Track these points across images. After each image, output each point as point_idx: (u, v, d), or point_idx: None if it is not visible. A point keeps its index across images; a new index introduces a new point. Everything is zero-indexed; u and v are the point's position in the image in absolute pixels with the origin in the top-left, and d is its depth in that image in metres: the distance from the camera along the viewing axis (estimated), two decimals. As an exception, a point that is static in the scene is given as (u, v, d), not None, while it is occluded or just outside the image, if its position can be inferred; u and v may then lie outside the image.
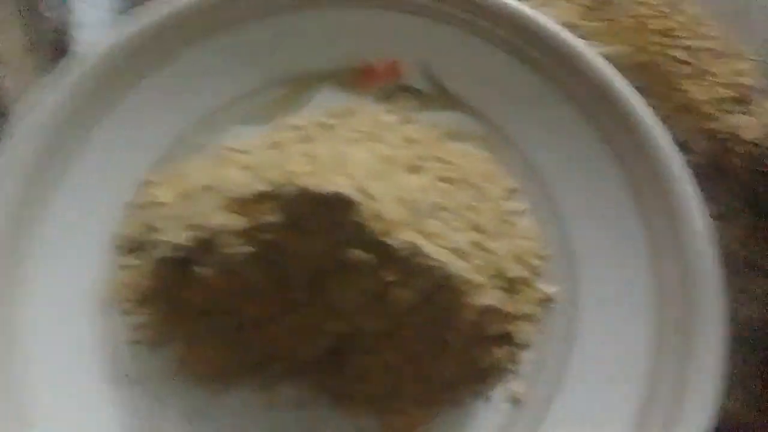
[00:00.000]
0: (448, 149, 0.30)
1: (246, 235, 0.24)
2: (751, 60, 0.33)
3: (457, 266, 0.25)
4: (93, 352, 0.27)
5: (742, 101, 0.32)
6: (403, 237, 0.24)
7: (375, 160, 0.27)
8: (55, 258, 0.27)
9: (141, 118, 0.30)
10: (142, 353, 0.27)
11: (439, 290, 0.25)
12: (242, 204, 0.25)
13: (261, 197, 0.24)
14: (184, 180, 0.29)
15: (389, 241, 0.24)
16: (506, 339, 0.27)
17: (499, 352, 0.26)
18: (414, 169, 0.28)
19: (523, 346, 0.27)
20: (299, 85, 0.32)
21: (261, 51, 0.31)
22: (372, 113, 0.31)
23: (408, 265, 0.24)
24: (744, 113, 0.32)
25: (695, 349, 0.25)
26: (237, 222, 0.24)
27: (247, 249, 0.24)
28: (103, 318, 0.27)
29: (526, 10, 0.29)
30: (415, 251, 0.24)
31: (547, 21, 0.29)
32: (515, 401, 0.26)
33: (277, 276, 0.25)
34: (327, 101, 0.31)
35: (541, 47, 0.29)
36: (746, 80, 0.33)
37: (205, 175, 0.28)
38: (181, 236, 0.25)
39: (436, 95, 0.31)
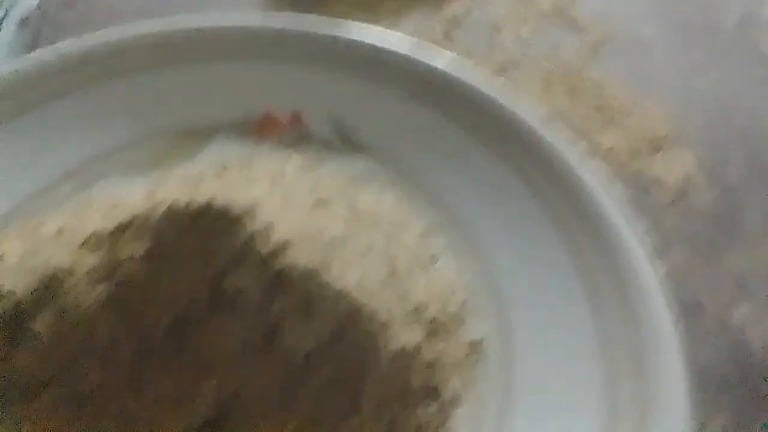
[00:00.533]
0: (356, 193, 0.27)
1: (97, 274, 0.20)
2: (658, 112, 0.33)
3: (365, 298, 0.21)
4: None
5: (655, 149, 0.32)
6: (299, 260, 0.20)
7: (273, 195, 0.24)
8: None
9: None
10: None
11: (344, 331, 0.20)
12: (98, 241, 0.21)
13: (121, 228, 0.20)
14: (37, 230, 0.24)
15: (280, 265, 0.20)
16: (432, 394, 0.22)
17: (426, 412, 0.21)
18: (319, 206, 0.25)
19: (454, 402, 0.22)
20: (191, 136, 0.29)
21: (149, 100, 0.29)
22: (273, 161, 0.28)
23: (305, 295, 0.20)
24: (664, 157, 0.31)
25: (654, 394, 0.21)
26: (88, 260, 0.20)
27: (98, 289, 0.20)
28: None
29: (430, 61, 0.29)
30: (314, 277, 0.20)
31: (455, 71, 0.29)
32: (450, 472, 0.21)
33: (134, 323, 0.20)
34: (221, 151, 0.28)
35: (449, 96, 0.29)
36: (657, 130, 0.33)
37: (61, 220, 0.24)
38: (13, 284, 0.20)
39: (342, 142, 0.29)
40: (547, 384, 0.22)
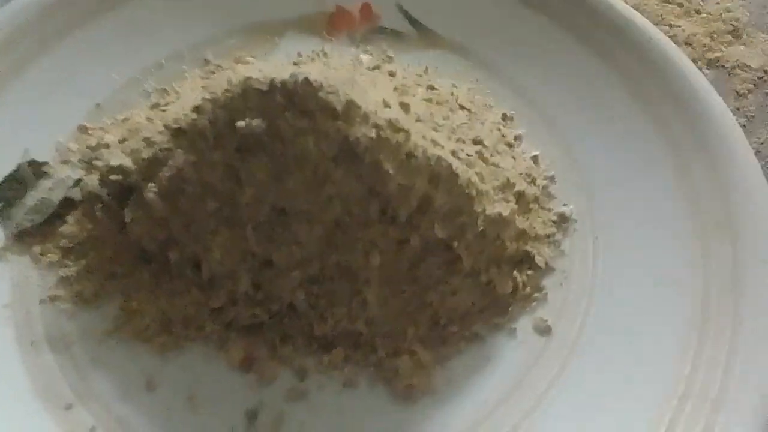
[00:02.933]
0: (433, 82, 0.28)
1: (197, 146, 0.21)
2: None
3: (462, 168, 0.22)
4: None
5: (736, 34, 0.32)
6: (397, 127, 0.21)
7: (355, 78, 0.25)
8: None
9: (85, 60, 0.27)
10: (71, 313, 0.22)
11: (444, 193, 0.22)
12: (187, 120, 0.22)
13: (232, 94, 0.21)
14: (128, 123, 0.26)
15: (379, 121, 0.21)
16: (526, 261, 0.23)
17: (520, 276, 0.23)
18: (400, 92, 0.26)
19: (545, 270, 0.23)
20: (263, 31, 0.30)
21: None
22: (348, 56, 0.29)
23: (404, 157, 0.21)
24: (742, 44, 0.32)
25: (745, 248, 0.22)
26: (199, 120, 0.21)
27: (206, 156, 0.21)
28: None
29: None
30: (410, 140, 0.21)
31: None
32: (544, 331, 0.22)
33: (234, 190, 0.21)
34: (294, 47, 0.30)
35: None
36: (736, 14, 0.33)
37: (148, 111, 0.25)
38: (123, 160, 0.22)
39: (415, 35, 0.30)
40: (635, 250, 0.23)
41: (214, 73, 0.28)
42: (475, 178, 0.22)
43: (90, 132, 0.26)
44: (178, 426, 0.20)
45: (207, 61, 0.29)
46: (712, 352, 0.21)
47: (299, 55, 0.29)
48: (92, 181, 0.23)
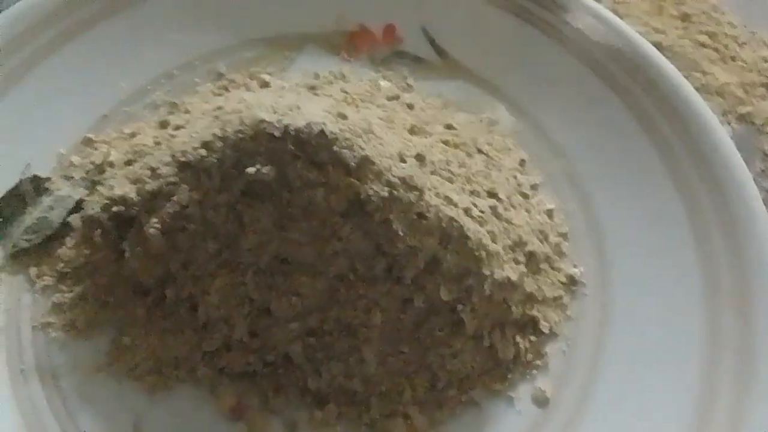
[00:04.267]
0: (453, 116, 0.27)
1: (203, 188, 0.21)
2: (775, 47, 0.32)
3: (473, 227, 0.21)
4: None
5: (769, 87, 0.31)
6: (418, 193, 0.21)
7: (369, 118, 0.24)
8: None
9: (91, 67, 0.27)
10: (62, 343, 0.22)
11: (454, 254, 0.21)
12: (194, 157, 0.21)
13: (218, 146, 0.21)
14: (135, 139, 0.25)
15: (407, 197, 0.20)
16: (530, 326, 0.23)
17: (523, 342, 0.23)
18: (417, 132, 0.25)
19: (550, 336, 0.23)
20: (280, 45, 0.29)
21: (243, 5, 0.29)
22: (367, 80, 0.28)
23: (415, 216, 0.20)
24: (774, 100, 0.31)
25: (757, 330, 0.22)
26: (207, 158, 0.21)
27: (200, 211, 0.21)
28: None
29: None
30: (422, 200, 0.21)
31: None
32: (542, 402, 0.22)
33: (237, 234, 0.21)
34: (311, 65, 0.29)
35: (552, 9, 0.28)
36: (772, 66, 0.32)
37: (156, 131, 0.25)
38: (126, 189, 0.22)
39: (437, 62, 0.29)
40: (644, 323, 0.23)
41: (227, 89, 0.27)
42: (486, 239, 0.22)
43: (95, 145, 0.25)
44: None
45: (220, 75, 0.28)
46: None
47: (316, 76, 0.28)
48: (94, 205, 0.22)
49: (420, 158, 0.22)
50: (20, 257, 0.23)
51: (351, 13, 0.29)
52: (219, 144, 0.21)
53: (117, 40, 0.27)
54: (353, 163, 0.20)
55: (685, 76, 0.31)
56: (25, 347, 0.22)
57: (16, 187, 0.24)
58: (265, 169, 0.20)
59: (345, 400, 0.21)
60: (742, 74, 0.31)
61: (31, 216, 0.23)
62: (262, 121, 0.20)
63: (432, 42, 0.29)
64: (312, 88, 0.27)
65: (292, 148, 0.20)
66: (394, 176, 0.20)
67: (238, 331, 0.21)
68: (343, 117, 0.22)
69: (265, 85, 0.27)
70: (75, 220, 0.23)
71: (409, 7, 0.29)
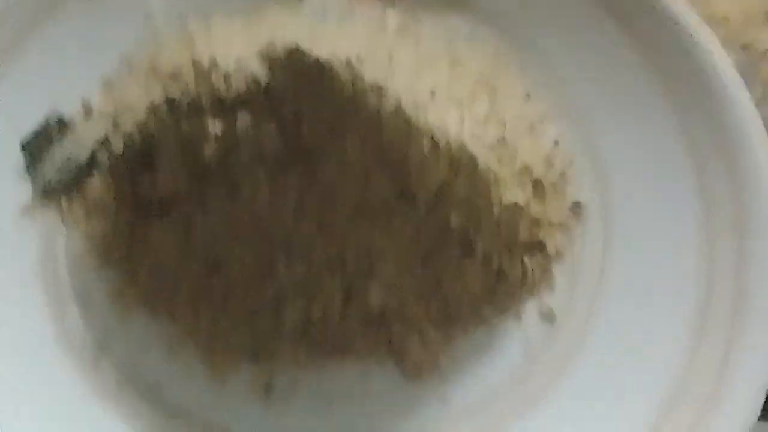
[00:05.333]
0: (458, 51, 0.28)
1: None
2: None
3: (479, 151, 0.22)
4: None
5: (772, 16, 0.31)
6: (421, 114, 0.21)
7: (375, 50, 0.25)
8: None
9: (98, 16, 0.27)
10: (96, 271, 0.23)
11: (462, 180, 0.22)
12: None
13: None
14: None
15: (415, 119, 0.21)
16: (537, 247, 0.24)
17: (531, 262, 0.24)
18: (423, 65, 0.26)
19: (556, 257, 0.24)
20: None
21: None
22: (375, 16, 0.29)
23: (434, 145, 0.22)
24: (777, 27, 0.31)
25: (756, 249, 0.23)
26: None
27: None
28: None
29: None
30: (440, 131, 0.22)
31: None
32: (550, 318, 0.23)
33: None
34: (322, 2, 0.29)
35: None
36: (776, -5, 0.32)
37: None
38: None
39: (447, -2, 0.30)
40: (646, 243, 0.24)
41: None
42: (494, 166, 0.23)
43: (115, 86, 0.26)
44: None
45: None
46: (709, 351, 0.22)
47: (325, 13, 0.29)
48: (116, 141, 0.23)
49: (434, 89, 0.23)
50: (51, 195, 0.24)
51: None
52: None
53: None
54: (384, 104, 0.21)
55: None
56: (61, 277, 0.23)
57: (44, 127, 0.25)
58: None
59: (364, 324, 0.23)
60: (743, 2, 0.31)
61: (59, 155, 0.24)
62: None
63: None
64: (322, 26, 0.28)
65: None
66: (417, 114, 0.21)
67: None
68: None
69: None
70: (101, 161, 0.24)
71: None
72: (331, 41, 0.25)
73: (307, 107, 0.21)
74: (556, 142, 0.26)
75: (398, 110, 0.21)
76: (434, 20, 0.29)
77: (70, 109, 0.26)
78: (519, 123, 0.26)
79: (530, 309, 0.24)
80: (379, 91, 0.21)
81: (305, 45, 0.23)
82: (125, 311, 0.23)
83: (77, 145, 0.25)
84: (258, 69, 0.21)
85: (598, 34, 0.28)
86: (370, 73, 0.21)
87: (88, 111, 0.26)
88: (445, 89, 0.25)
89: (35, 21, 0.26)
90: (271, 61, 0.21)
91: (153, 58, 0.27)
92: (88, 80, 0.26)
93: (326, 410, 0.22)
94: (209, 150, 0.21)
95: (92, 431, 0.21)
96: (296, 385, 0.22)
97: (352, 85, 0.21)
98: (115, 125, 0.25)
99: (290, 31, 0.26)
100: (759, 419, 0.21)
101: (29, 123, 0.25)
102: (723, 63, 0.26)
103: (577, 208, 0.25)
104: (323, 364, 0.23)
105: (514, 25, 0.29)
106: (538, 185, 0.25)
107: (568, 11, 0.28)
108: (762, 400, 0.21)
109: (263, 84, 0.21)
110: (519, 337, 0.23)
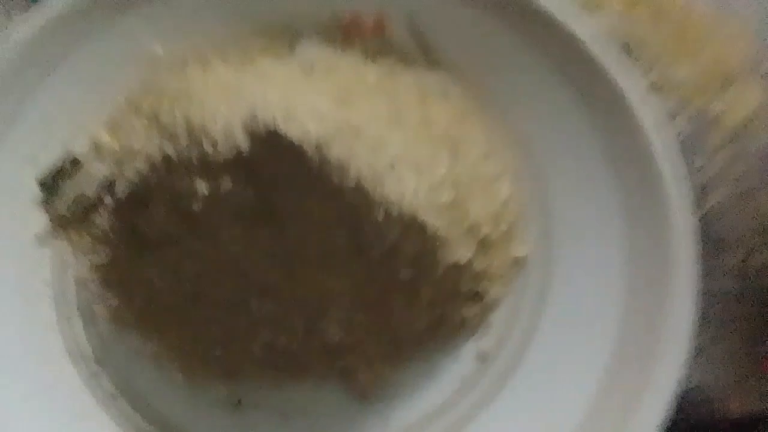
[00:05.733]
0: (429, 108, 0.31)
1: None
2: (738, 39, 0.35)
3: (431, 220, 0.26)
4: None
5: (727, 82, 0.34)
6: (378, 187, 0.25)
7: (354, 112, 0.28)
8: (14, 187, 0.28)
9: (109, 59, 0.31)
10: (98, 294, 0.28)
11: (411, 241, 0.26)
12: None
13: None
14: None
15: (371, 193, 0.25)
16: (477, 297, 0.28)
17: (469, 311, 0.28)
18: (394, 123, 0.29)
19: (493, 306, 0.28)
20: (280, 35, 0.33)
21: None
22: (356, 71, 0.32)
23: (387, 215, 0.25)
24: (730, 94, 0.34)
25: (666, 313, 0.26)
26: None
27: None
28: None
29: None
30: (389, 200, 0.25)
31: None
32: (483, 358, 0.27)
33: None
34: (311, 54, 0.32)
35: (527, 11, 0.31)
36: (732, 60, 0.34)
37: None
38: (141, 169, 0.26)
39: (421, 55, 0.33)
40: (576, 297, 0.28)
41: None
42: (442, 230, 0.26)
43: (121, 126, 0.30)
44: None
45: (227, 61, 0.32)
46: (617, 392, 0.26)
47: (312, 65, 0.32)
48: (119, 185, 0.27)
49: (395, 160, 0.26)
50: (63, 224, 0.28)
51: (344, 3, 0.33)
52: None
53: (133, 33, 0.31)
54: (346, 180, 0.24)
55: (648, 70, 0.34)
56: (69, 297, 0.27)
57: (58, 166, 0.29)
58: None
59: (321, 353, 0.27)
60: (702, 68, 0.34)
61: (71, 190, 0.28)
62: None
63: (417, 35, 0.33)
64: (308, 78, 0.31)
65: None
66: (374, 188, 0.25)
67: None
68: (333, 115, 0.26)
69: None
70: (106, 197, 0.28)
71: (398, 4, 0.32)
72: (316, 95, 0.29)
73: (280, 177, 0.25)
74: (507, 200, 0.30)
75: (358, 185, 0.24)
76: (409, 77, 0.32)
77: (81, 146, 0.29)
78: (474, 182, 0.29)
79: (467, 349, 0.27)
80: (343, 169, 0.24)
81: (291, 99, 0.26)
82: (121, 329, 0.27)
83: (87, 183, 0.29)
84: (241, 140, 0.25)
85: (555, 100, 0.31)
86: (337, 150, 0.24)
87: (97, 151, 0.29)
88: (410, 151, 0.28)
89: (50, 66, 0.30)
90: (252, 135, 0.24)
91: (154, 105, 0.30)
92: (98, 120, 0.30)
93: (285, 424, 0.27)
94: (196, 204, 0.25)
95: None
96: (261, 401, 0.27)
97: (319, 164, 0.24)
98: (119, 167, 0.28)
99: (279, 83, 0.30)
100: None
101: (45, 159, 0.29)
102: (660, 142, 0.29)
103: (518, 261, 0.29)
104: (284, 384, 0.27)
105: (480, 86, 0.32)
106: (484, 242, 0.28)
107: (530, 77, 0.31)
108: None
109: (244, 154, 0.24)
110: (454, 371, 0.27)
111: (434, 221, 0.26)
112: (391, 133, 0.28)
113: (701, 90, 0.34)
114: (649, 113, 0.29)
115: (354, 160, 0.24)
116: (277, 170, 0.25)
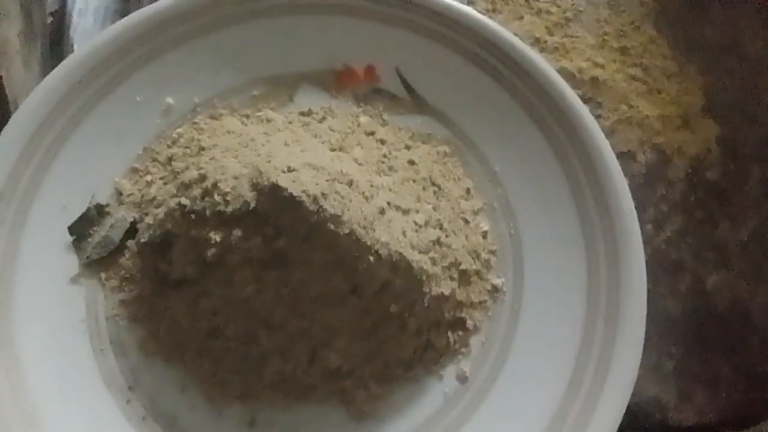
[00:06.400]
0: (415, 151, 0.35)
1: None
2: (697, 80, 0.38)
3: (417, 259, 0.30)
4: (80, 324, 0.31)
5: (686, 118, 0.38)
6: (369, 232, 0.29)
7: (347, 162, 0.32)
8: (48, 232, 0.32)
9: (128, 111, 0.34)
10: (128, 329, 0.31)
11: (400, 279, 0.30)
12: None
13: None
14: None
15: (367, 240, 0.28)
16: (459, 324, 0.32)
17: (452, 336, 0.31)
18: (384, 171, 0.33)
19: (474, 331, 0.32)
20: (282, 84, 0.36)
21: (246, 51, 0.35)
22: (350, 115, 0.35)
23: (378, 257, 0.29)
24: (688, 130, 0.37)
25: (619, 335, 0.30)
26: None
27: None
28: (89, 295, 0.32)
29: (490, 24, 0.34)
30: (383, 246, 0.29)
31: (508, 35, 0.34)
32: (463, 378, 0.31)
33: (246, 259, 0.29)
34: (308, 100, 0.36)
35: (503, 59, 0.34)
36: (692, 99, 0.38)
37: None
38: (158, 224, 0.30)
39: (408, 100, 0.36)
40: (543, 322, 0.32)
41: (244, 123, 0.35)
42: (427, 266, 0.30)
43: (140, 174, 0.34)
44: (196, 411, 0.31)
45: (234, 110, 0.35)
46: (577, 401, 0.30)
47: (310, 112, 0.35)
48: (143, 231, 0.31)
49: (384, 205, 0.30)
50: (92, 266, 0.32)
51: (338, 54, 0.36)
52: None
53: (148, 86, 0.34)
54: (341, 228, 0.28)
55: (613, 109, 0.38)
56: (102, 331, 0.31)
57: (86, 213, 0.32)
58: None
59: (322, 378, 0.31)
60: (663, 106, 0.38)
61: (98, 234, 0.32)
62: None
63: (404, 82, 0.36)
64: (306, 125, 0.35)
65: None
66: (366, 234, 0.28)
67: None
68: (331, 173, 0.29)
69: (269, 120, 0.35)
70: (131, 243, 0.32)
71: (386, 52, 0.36)
72: (314, 147, 0.32)
73: (284, 226, 0.28)
74: (485, 234, 0.33)
75: (351, 233, 0.28)
76: (396, 120, 0.36)
77: (106, 194, 0.33)
78: (456, 219, 0.33)
79: (449, 371, 0.31)
80: (337, 219, 0.28)
81: (292, 156, 0.30)
82: (148, 359, 0.31)
83: (112, 228, 0.32)
84: (248, 195, 0.28)
85: (526, 140, 0.34)
86: (333, 202, 0.28)
87: (120, 198, 0.33)
88: (398, 194, 0.31)
89: (77, 119, 0.33)
90: (258, 191, 0.28)
91: (170, 152, 0.34)
92: (120, 168, 0.34)
93: (293, 439, 0.31)
94: (210, 251, 0.29)
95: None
96: (273, 420, 0.31)
97: (317, 215, 0.28)
98: (141, 213, 0.32)
99: (281, 135, 0.33)
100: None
101: (74, 207, 0.32)
102: (616, 173, 0.32)
103: (494, 290, 0.33)
104: (292, 405, 0.31)
105: (460, 128, 0.35)
106: (463, 275, 0.32)
107: (502, 119, 0.35)
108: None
109: (251, 207, 0.28)
110: (439, 391, 0.31)
111: (420, 259, 0.30)
112: (381, 179, 0.32)
113: (662, 126, 0.37)
114: (609, 154, 0.33)
115: (348, 210, 0.28)
116: (280, 221, 0.28)
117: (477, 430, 0.31)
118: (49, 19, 0.44)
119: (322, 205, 0.28)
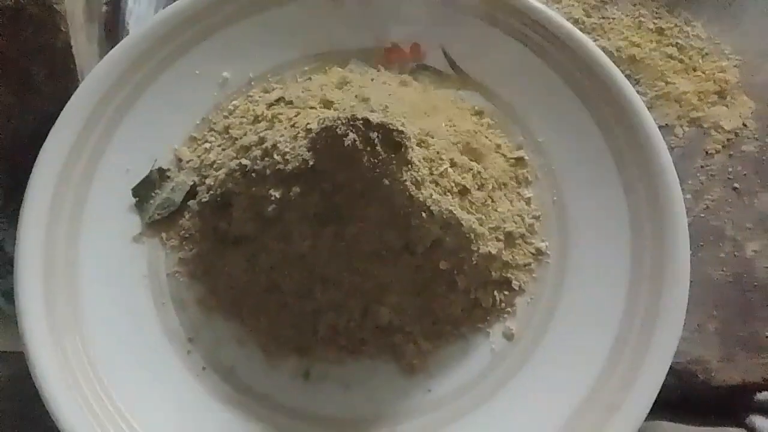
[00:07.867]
0: (462, 122, 0.36)
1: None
2: (732, 59, 0.39)
3: (466, 218, 0.31)
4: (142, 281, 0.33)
5: (722, 95, 0.39)
6: (426, 193, 0.30)
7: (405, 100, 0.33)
8: (113, 193, 0.33)
9: (187, 83, 0.36)
10: (188, 285, 0.33)
11: (451, 237, 0.31)
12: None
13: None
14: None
15: (420, 196, 0.29)
16: (505, 284, 0.33)
17: (499, 295, 0.32)
18: (431, 113, 0.34)
19: (519, 291, 0.33)
20: (332, 59, 0.38)
21: (298, 28, 0.37)
22: (399, 86, 0.37)
23: (430, 213, 0.30)
24: (724, 106, 0.38)
25: (664, 297, 0.31)
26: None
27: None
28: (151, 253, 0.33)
29: (535, 3, 0.36)
30: (435, 203, 0.30)
31: (553, 13, 0.36)
32: (509, 336, 0.32)
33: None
34: (359, 70, 0.37)
35: (546, 36, 0.36)
36: (727, 76, 0.39)
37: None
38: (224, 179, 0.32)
39: (453, 75, 0.37)
40: (587, 284, 0.32)
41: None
42: (475, 225, 0.31)
43: (198, 142, 0.35)
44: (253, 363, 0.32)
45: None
46: (620, 366, 0.31)
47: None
48: (203, 193, 0.33)
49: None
50: (154, 226, 0.33)
51: (386, 34, 0.38)
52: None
53: (205, 60, 0.36)
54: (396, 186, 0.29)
55: (651, 85, 0.39)
56: (163, 287, 0.33)
57: (148, 176, 0.34)
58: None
59: (374, 333, 0.32)
60: (699, 83, 0.39)
61: (160, 197, 0.34)
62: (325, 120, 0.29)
63: (449, 58, 0.37)
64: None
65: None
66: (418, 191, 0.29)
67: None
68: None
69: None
70: (191, 204, 0.33)
71: (432, 31, 0.37)
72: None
73: (340, 183, 0.30)
74: (528, 201, 0.35)
75: (404, 189, 0.29)
76: (442, 94, 0.37)
77: (166, 159, 0.35)
78: (501, 185, 0.34)
79: (496, 328, 0.32)
80: (394, 176, 0.29)
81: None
82: (207, 313, 0.32)
83: (173, 190, 0.34)
84: (306, 154, 0.30)
85: (569, 112, 0.35)
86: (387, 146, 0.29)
87: (180, 165, 0.35)
88: (447, 162, 0.33)
89: (138, 90, 0.35)
90: (315, 149, 0.29)
91: (227, 122, 0.35)
92: (179, 136, 0.35)
93: (345, 392, 0.31)
94: (270, 208, 0.30)
95: (185, 400, 0.31)
96: (326, 373, 0.32)
97: (373, 164, 0.29)
98: (201, 177, 0.34)
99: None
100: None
101: (137, 171, 0.34)
102: (658, 142, 0.33)
103: (539, 253, 0.34)
104: (345, 359, 0.32)
105: (505, 102, 0.37)
106: (509, 237, 0.33)
107: (547, 92, 0.36)
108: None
109: (310, 165, 0.29)
110: (486, 348, 0.32)
111: (469, 218, 0.31)
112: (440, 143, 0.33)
113: (699, 102, 0.38)
114: (652, 124, 0.34)
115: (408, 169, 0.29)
116: (337, 177, 0.29)
117: (523, 386, 0.31)
118: (104, 8, 0.46)
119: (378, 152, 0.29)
